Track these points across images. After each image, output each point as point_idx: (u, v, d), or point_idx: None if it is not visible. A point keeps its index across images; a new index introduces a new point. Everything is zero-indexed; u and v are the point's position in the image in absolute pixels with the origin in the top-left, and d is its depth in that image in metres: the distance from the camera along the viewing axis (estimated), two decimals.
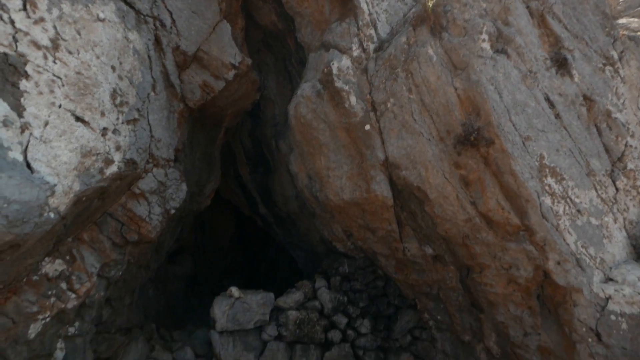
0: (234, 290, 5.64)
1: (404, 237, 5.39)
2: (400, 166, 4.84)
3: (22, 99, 3.28)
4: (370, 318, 5.90)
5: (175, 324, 7.49)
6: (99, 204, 4.03)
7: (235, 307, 5.47)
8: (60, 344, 4.05)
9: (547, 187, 4.38)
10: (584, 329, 4.27)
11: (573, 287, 4.27)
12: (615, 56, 5.41)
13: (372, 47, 5.18)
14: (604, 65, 5.30)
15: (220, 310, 5.41)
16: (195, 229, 9.86)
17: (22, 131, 3.22)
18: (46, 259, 3.74)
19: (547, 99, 4.72)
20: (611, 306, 4.23)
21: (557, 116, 4.71)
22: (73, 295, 3.85)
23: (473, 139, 4.31)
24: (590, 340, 4.24)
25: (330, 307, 5.78)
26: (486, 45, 4.56)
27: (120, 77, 4.10)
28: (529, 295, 4.60)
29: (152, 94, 4.66)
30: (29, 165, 3.21)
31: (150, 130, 4.56)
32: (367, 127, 4.98)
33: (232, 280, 10.24)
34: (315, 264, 7.91)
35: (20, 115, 3.25)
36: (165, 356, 5.43)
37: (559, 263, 4.30)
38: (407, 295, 5.97)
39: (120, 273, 4.63)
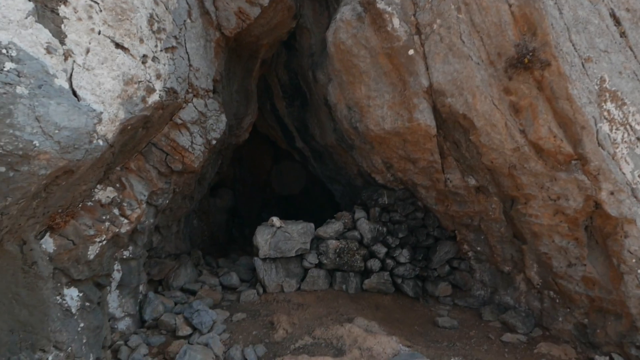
0: (276, 220, 5.78)
1: (446, 168, 5.27)
2: (446, 93, 4.62)
3: (62, 26, 3.25)
4: (409, 248, 5.97)
5: (218, 252, 7.86)
6: (143, 133, 4.09)
7: (277, 236, 5.63)
8: (117, 266, 4.33)
9: (605, 113, 4.09)
10: (634, 261, 4.15)
11: (626, 218, 4.10)
12: None
13: None
14: None
15: (263, 238, 5.58)
16: (234, 164, 10.04)
17: (66, 58, 3.22)
18: (98, 186, 3.89)
19: (613, 15, 4.29)
20: None
21: (623, 34, 4.28)
22: (125, 221, 4.03)
23: (527, 61, 4.01)
24: (639, 271, 4.14)
25: (369, 237, 5.86)
26: None
27: (156, 2, 3.98)
28: (576, 227, 4.48)
29: (188, 20, 4.53)
30: (74, 93, 3.24)
31: (189, 59, 4.49)
32: (411, 52, 4.72)
33: (269, 213, 10.53)
34: (352, 197, 7.96)
35: (62, 43, 3.23)
36: (213, 280, 5.74)
37: (612, 193, 4.11)
38: (447, 226, 5.95)
39: (167, 202, 4.80)
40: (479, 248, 5.67)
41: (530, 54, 3.99)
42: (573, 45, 4.05)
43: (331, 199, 9.98)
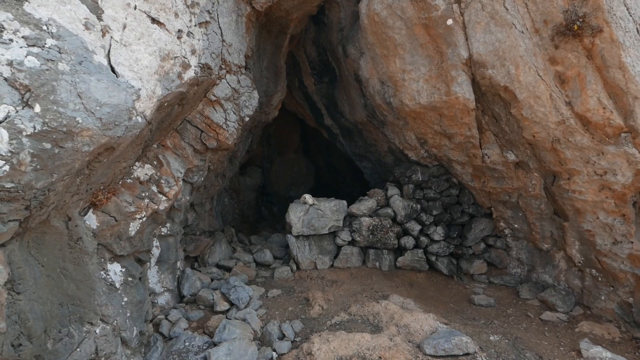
0: (308, 198, 5.75)
1: (484, 143, 5.10)
2: (486, 64, 4.43)
3: (99, 1, 3.22)
4: (443, 226, 5.87)
5: (248, 230, 7.93)
6: (178, 110, 4.08)
7: (310, 213, 5.61)
8: (155, 242, 4.39)
9: None
10: None
11: None
12: None
13: None
14: None
15: (296, 216, 5.57)
16: (263, 142, 10.03)
17: (103, 34, 3.20)
18: (137, 163, 3.91)
19: None
20: None
21: None
22: (163, 198, 4.06)
23: (576, 27, 3.79)
24: None
25: (403, 215, 5.79)
26: None
27: None
28: (623, 203, 4.29)
29: None
30: (113, 70, 3.23)
31: (222, 35, 4.42)
32: (450, 21, 4.53)
33: (298, 191, 10.53)
34: (382, 174, 7.86)
35: (99, 18, 3.21)
36: (247, 257, 5.79)
37: None
38: (483, 203, 5.81)
39: (202, 179, 4.81)
40: (516, 225, 5.53)
41: (580, 20, 3.76)
42: (627, 9, 3.79)
43: (361, 176, 9.90)
